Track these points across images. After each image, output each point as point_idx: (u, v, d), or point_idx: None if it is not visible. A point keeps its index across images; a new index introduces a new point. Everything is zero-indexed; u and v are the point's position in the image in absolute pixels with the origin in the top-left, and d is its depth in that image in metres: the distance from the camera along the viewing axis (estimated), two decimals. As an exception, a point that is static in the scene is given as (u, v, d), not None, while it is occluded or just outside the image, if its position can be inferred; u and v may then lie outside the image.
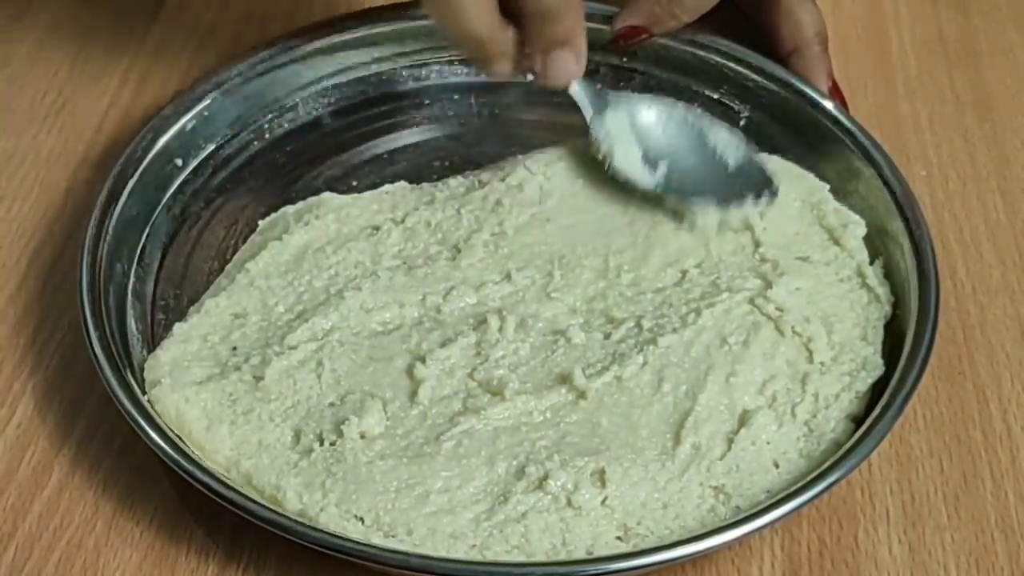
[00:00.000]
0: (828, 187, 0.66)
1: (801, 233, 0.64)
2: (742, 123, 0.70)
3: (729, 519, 0.53)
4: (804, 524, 0.56)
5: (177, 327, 0.60)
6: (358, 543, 0.52)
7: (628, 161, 0.65)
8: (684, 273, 0.62)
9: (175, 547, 0.55)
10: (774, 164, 0.67)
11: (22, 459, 0.58)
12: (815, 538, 0.56)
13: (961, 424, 0.60)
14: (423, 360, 0.58)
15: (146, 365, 0.59)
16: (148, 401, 0.56)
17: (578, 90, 0.64)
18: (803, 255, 0.63)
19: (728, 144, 0.66)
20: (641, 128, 0.66)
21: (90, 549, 0.55)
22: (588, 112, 0.65)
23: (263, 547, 0.55)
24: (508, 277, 0.62)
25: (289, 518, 0.52)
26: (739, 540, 0.53)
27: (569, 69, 0.62)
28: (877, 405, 0.56)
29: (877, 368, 0.59)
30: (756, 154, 0.65)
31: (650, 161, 0.65)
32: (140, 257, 0.64)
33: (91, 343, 0.57)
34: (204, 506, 0.55)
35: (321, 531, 0.52)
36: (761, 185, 0.64)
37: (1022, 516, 0.57)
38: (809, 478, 0.54)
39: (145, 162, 0.65)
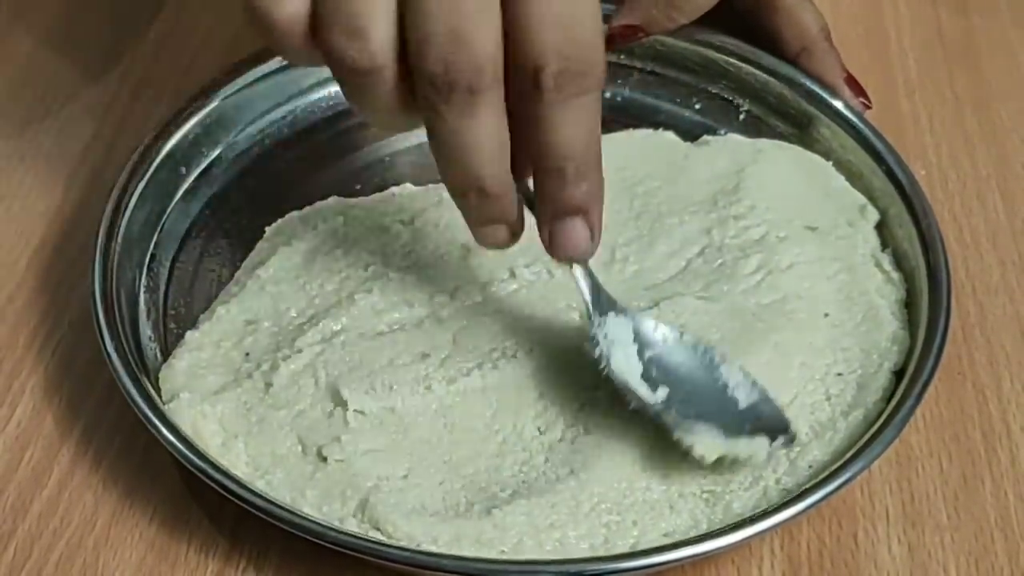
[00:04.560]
0: (831, 163, 0.67)
1: (808, 204, 0.65)
2: (742, 117, 0.71)
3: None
4: (804, 524, 0.56)
5: (189, 335, 0.60)
6: (356, 537, 0.52)
7: (627, 370, 0.56)
8: (688, 262, 0.63)
9: (175, 546, 0.55)
10: (774, 146, 0.67)
11: (22, 459, 0.58)
12: (815, 538, 0.56)
13: (961, 424, 0.60)
14: (407, 365, 0.58)
15: (161, 375, 0.58)
16: (174, 417, 0.56)
17: (584, 273, 0.56)
18: (811, 225, 0.64)
19: (741, 381, 0.56)
20: (645, 342, 0.56)
21: (90, 549, 0.55)
22: (589, 300, 0.56)
23: (264, 544, 0.55)
24: (513, 275, 0.62)
25: (291, 511, 0.52)
26: (740, 544, 0.53)
27: (580, 242, 0.53)
28: (889, 404, 0.57)
29: (904, 342, 0.59)
30: (770, 398, 0.56)
31: (650, 380, 0.55)
32: (150, 267, 0.63)
33: (108, 354, 0.57)
34: (205, 504, 0.55)
35: (321, 525, 0.52)
36: (776, 427, 0.55)
37: (1022, 516, 0.57)
38: (811, 483, 0.54)
39: (150, 171, 0.65)
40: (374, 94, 0.50)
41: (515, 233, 0.55)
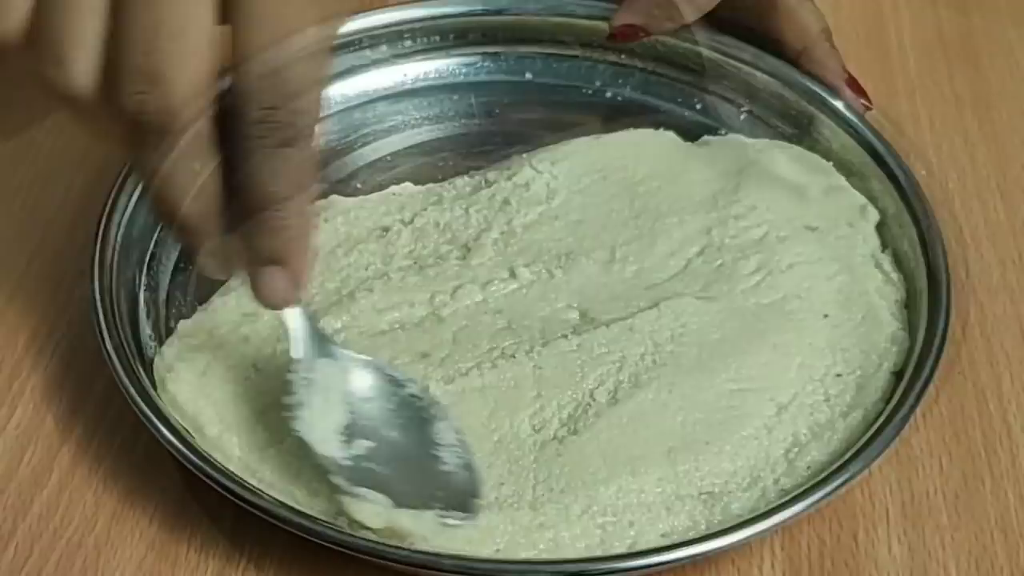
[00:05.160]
0: (831, 163, 0.67)
1: (808, 204, 0.65)
2: (742, 117, 0.71)
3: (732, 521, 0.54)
4: (804, 524, 0.56)
5: (182, 324, 0.60)
6: (356, 537, 0.52)
7: (319, 422, 0.54)
8: (688, 262, 0.63)
9: (175, 546, 0.55)
10: (774, 146, 0.68)
11: (22, 459, 0.58)
12: (815, 538, 0.56)
13: (961, 424, 0.60)
14: (407, 364, 0.58)
15: (155, 365, 0.58)
16: (165, 401, 0.56)
17: (293, 319, 0.54)
18: (811, 225, 0.64)
19: (452, 442, 0.55)
20: (352, 392, 0.55)
21: (90, 548, 0.55)
22: (297, 347, 0.54)
23: (264, 543, 0.55)
24: (513, 275, 0.62)
25: (291, 510, 0.52)
26: (741, 543, 0.53)
27: (278, 291, 0.51)
28: (888, 404, 0.57)
29: (904, 342, 0.59)
30: (473, 465, 0.55)
31: (350, 433, 0.54)
32: (150, 267, 0.63)
33: (108, 354, 0.57)
34: (205, 504, 0.55)
35: (321, 524, 0.52)
36: (464, 497, 0.54)
37: (1022, 516, 0.57)
38: (810, 484, 0.54)
39: None
40: (82, 119, 0.49)
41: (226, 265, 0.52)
